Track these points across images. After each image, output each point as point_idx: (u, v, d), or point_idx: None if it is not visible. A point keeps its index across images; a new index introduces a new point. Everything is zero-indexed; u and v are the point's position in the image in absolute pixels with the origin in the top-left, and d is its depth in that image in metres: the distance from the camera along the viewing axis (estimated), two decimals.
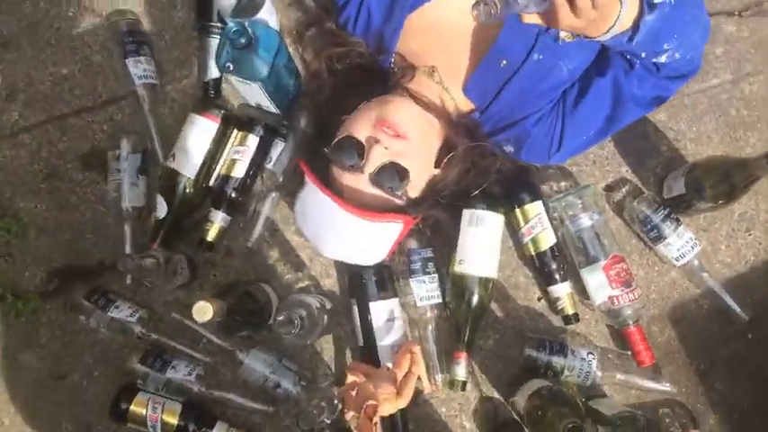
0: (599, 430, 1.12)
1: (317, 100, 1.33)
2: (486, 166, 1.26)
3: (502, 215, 1.28)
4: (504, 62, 1.14)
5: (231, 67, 1.15)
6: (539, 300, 1.35)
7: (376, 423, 1.06)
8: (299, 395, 1.27)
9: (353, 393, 1.17)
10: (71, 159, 1.39)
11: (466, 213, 1.26)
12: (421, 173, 1.17)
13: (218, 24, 1.31)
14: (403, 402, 1.11)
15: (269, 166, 1.32)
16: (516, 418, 1.29)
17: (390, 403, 1.09)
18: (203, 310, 1.01)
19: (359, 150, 1.12)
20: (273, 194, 1.32)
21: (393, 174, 1.12)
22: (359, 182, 1.13)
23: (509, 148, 1.25)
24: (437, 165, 1.20)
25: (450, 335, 1.30)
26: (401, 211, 1.16)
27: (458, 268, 1.26)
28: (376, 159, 1.11)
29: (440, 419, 1.33)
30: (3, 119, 1.40)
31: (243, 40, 1.11)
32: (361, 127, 1.14)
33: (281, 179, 1.32)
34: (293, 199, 1.31)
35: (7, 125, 1.40)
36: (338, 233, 1.15)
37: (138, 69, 1.33)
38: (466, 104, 1.24)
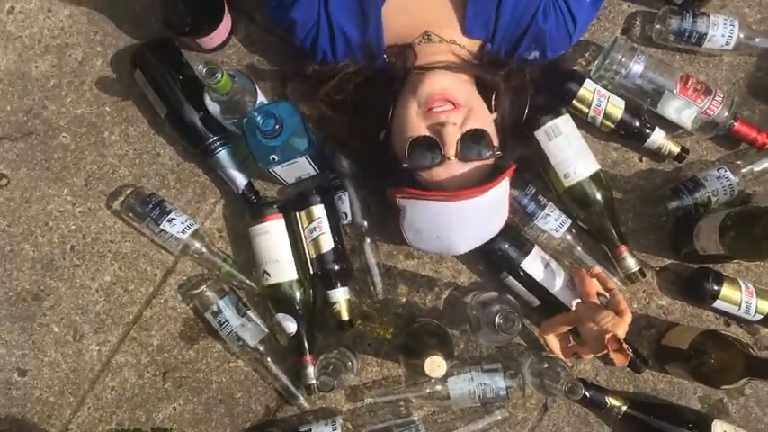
0: None
1: (340, 139, 1.30)
2: (520, 86, 1.25)
3: (567, 114, 1.27)
4: None
5: (276, 158, 1.11)
6: (641, 161, 1.35)
7: (627, 348, 1.05)
8: (520, 384, 1.25)
9: (575, 344, 1.17)
10: (173, 345, 1.32)
11: (540, 133, 1.25)
12: (488, 125, 1.15)
13: (217, 137, 1.26)
14: (629, 316, 1.10)
15: (347, 222, 1.29)
16: (697, 267, 1.31)
17: (620, 325, 1.08)
18: (436, 364, 0.98)
19: (431, 144, 1.10)
20: (368, 242, 1.29)
21: (473, 141, 1.10)
22: (450, 169, 1.11)
23: (534, 55, 1.25)
24: (490, 109, 1.19)
25: (596, 242, 1.30)
26: (500, 168, 1.14)
27: (567, 182, 1.25)
28: (452, 139, 1.08)
29: (640, 315, 1.32)
30: (87, 359, 1.32)
31: (276, 126, 1.07)
32: (414, 124, 1.11)
33: (365, 224, 1.29)
34: (385, 234, 1.31)
35: (94, 361, 1.32)
36: (465, 225, 1.12)
37: (176, 226, 1.27)
38: (474, 44, 1.23)
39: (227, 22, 1.28)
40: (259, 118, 1.07)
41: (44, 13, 1.38)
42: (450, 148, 1.09)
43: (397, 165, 1.13)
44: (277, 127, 1.07)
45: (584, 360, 1.26)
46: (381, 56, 1.23)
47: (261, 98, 1.21)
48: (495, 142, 1.14)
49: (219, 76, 1.00)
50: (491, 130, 1.14)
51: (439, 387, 1.25)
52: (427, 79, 1.13)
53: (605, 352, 1.06)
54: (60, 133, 1.36)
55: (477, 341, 1.29)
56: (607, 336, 1.05)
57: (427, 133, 1.10)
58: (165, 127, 1.33)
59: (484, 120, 1.14)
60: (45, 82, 1.37)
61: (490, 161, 1.13)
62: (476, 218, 1.12)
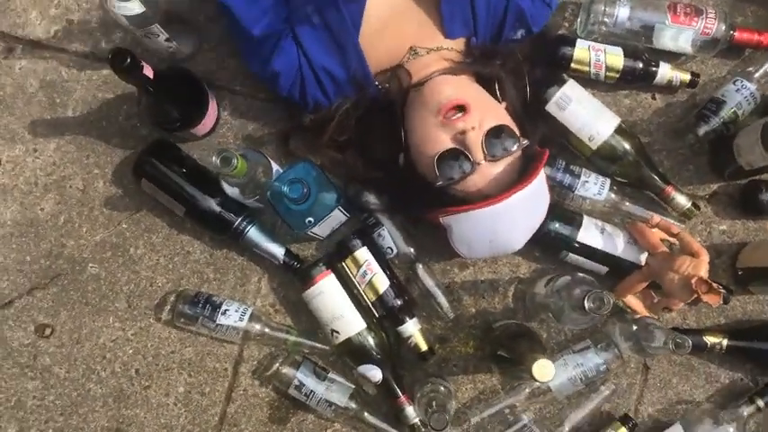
0: None
1: (356, 175, 1.27)
2: (516, 68, 1.23)
3: (570, 79, 1.25)
4: None
5: (312, 221, 1.09)
6: (654, 99, 1.34)
7: (717, 286, 1.03)
8: (616, 353, 1.22)
9: (660, 298, 1.15)
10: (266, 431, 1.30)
11: (551, 106, 1.23)
12: (504, 118, 1.13)
13: (242, 217, 1.24)
14: (706, 255, 1.09)
15: (393, 255, 1.27)
16: (745, 182, 1.29)
17: (702, 266, 1.07)
18: (544, 366, 0.96)
19: (457, 154, 1.08)
20: (420, 267, 1.27)
21: (496, 139, 1.08)
22: (484, 174, 1.09)
23: (520, 33, 1.23)
24: (498, 101, 1.17)
25: (640, 191, 1.28)
26: (532, 155, 1.13)
27: (593, 145, 1.23)
28: (476, 142, 1.06)
29: (706, 247, 1.26)
30: None
31: (304, 190, 1.05)
32: (436, 138, 1.09)
33: (412, 251, 1.27)
34: (433, 253, 1.29)
35: None
36: (514, 222, 1.10)
37: (232, 316, 1.25)
38: (460, 42, 1.21)
39: (212, 103, 1.27)
40: (285, 188, 1.05)
41: (31, 155, 1.36)
42: (478, 153, 1.07)
43: (429, 185, 1.11)
44: (305, 191, 1.05)
45: (674, 311, 1.24)
46: (372, 84, 1.21)
47: (275, 166, 1.19)
48: (517, 132, 1.12)
49: (235, 161, 0.99)
50: (509, 121, 1.12)
51: (538, 383, 1.23)
52: (432, 88, 1.11)
53: (695, 297, 1.04)
54: (87, 265, 1.34)
55: (564, 327, 1.26)
56: (693, 280, 1.03)
57: (451, 145, 1.08)
58: (187, 224, 1.31)
59: (498, 114, 1.12)
60: (55, 220, 1.35)
61: (518, 153, 1.11)
62: (522, 212, 1.10)
